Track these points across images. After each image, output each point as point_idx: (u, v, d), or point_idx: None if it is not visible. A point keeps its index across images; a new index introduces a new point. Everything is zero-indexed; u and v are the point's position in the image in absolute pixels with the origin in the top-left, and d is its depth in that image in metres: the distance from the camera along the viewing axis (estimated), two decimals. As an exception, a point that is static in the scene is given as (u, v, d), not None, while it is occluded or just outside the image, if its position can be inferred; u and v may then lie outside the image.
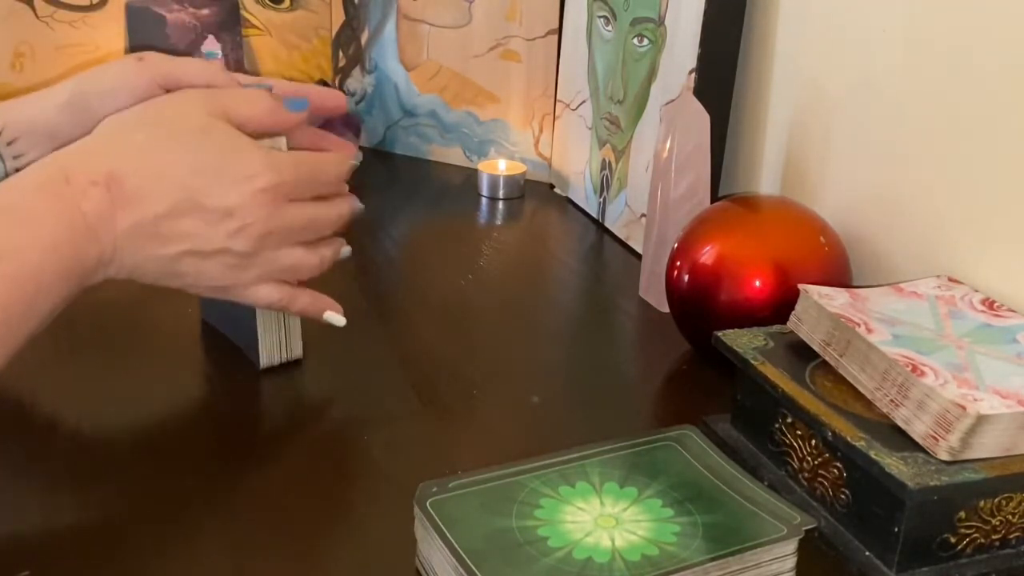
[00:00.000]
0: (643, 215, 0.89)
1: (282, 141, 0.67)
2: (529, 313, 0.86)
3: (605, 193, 1.00)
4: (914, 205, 0.76)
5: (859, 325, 0.61)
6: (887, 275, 0.77)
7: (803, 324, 0.64)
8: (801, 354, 0.64)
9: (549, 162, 1.11)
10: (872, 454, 0.54)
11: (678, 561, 0.49)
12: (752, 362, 0.63)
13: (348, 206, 0.69)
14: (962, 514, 0.54)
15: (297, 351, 0.72)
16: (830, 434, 0.57)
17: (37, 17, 1.09)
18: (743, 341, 0.65)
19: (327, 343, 0.74)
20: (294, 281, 0.67)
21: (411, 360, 0.76)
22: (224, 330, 0.75)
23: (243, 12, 1.15)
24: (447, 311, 0.85)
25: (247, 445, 0.66)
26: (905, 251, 0.77)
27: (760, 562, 0.51)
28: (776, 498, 0.54)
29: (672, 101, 0.87)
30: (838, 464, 0.58)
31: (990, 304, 0.66)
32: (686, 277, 0.73)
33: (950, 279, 0.70)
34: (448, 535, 0.50)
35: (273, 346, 0.71)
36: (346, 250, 0.70)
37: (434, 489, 0.53)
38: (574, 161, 1.06)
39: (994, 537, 0.56)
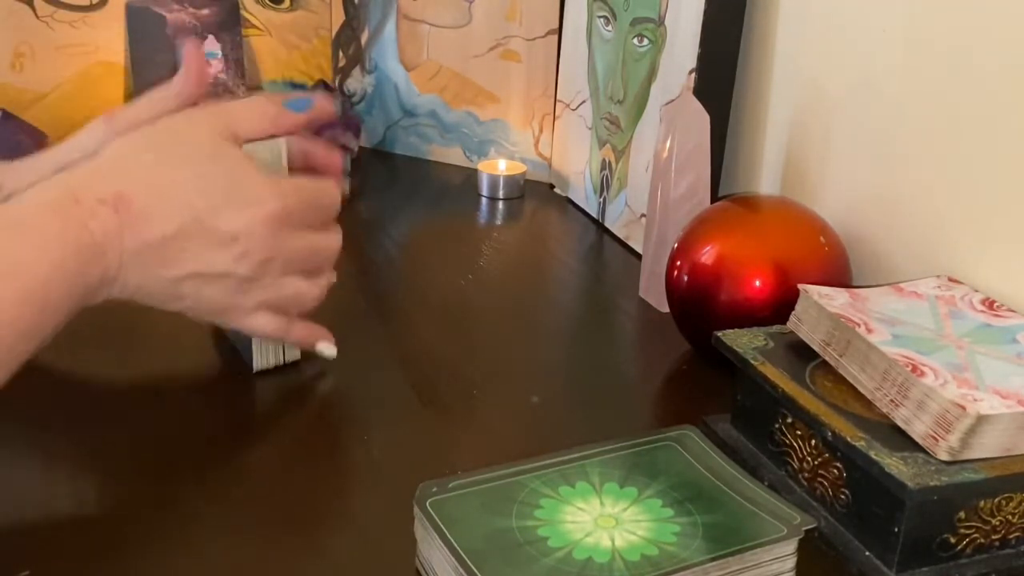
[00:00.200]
0: (643, 215, 0.89)
1: (282, 143, 0.67)
2: (529, 313, 0.86)
3: (605, 193, 1.00)
4: (914, 205, 0.76)
5: (859, 325, 0.61)
6: (887, 275, 0.77)
7: (803, 324, 0.64)
8: (801, 354, 0.64)
9: (549, 162, 1.11)
10: (872, 454, 0.54)
11: (678, 561, 0.49)
12: (752, 362, 0.63)
13: (340, 237, 0.69)
14: (962, 514, 0.54)
15: (293, 354, 0.72)
16: (830, 434, 0.57)
17: (37, 17, 1.09)
18: (743, 341, 0.65)
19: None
20: (294, 311, 0.68)
21: (411, 360, 0.76)
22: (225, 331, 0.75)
23: (243, 12, 1.15)
24: (447, 311, 0.85)
25: (246, 445, 0.66)
26: (905, 251, 0.77)
27: (760, 562, 0.51)
28: (776, 498, 0.54)
29: (672, 101, 0.87)
30: (838, 464, 0.58)
31: (990, 304, 0.66)
32: (686, 277, 0.73)
33: (950, 279, 0.70)
34: (448, 535, 0.50)
35: (268, 351, 0.71)
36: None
37: (434, 489, 0.53)
38: (574, 161, 1.06)
39: (994, 537, 0.56)
